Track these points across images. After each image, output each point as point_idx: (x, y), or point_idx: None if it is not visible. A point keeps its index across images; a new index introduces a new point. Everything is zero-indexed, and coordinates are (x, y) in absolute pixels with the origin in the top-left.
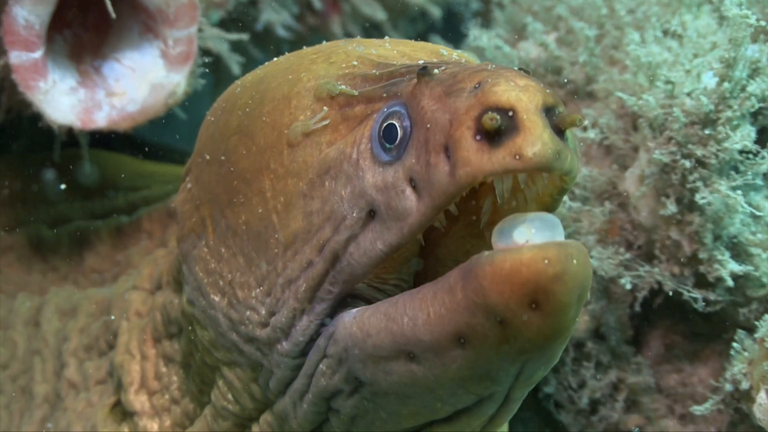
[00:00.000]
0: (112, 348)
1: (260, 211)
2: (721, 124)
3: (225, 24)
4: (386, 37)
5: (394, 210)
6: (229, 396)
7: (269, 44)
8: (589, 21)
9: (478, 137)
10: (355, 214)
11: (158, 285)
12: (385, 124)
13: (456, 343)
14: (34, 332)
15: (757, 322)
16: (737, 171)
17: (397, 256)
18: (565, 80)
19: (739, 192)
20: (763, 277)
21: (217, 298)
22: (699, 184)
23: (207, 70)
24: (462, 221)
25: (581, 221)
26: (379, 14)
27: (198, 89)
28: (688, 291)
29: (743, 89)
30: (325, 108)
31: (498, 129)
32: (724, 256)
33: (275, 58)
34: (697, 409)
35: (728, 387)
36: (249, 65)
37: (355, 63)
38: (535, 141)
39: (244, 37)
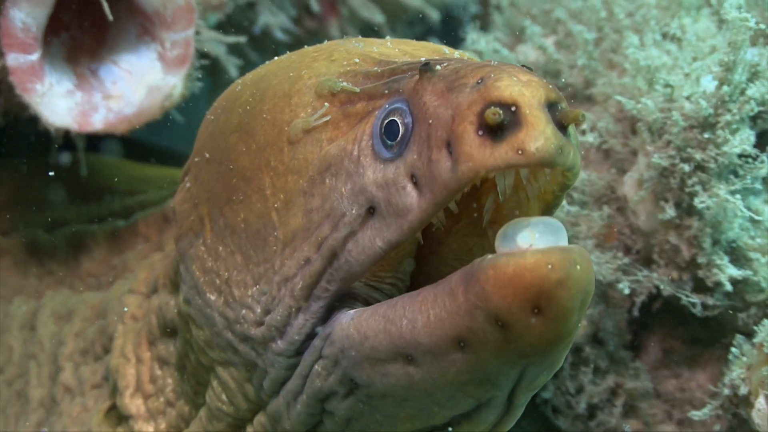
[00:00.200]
0: (108, 352)
1: (259, 208)
2: (720, 128)
3: (223, 27)
4: (387, 37)
5: (394, 206)
6: (224, 397)
7: (267, 47)
8: (587, 24)
9: (480, 132)
10: (354, 211)
11: (154, 288)
12: (386, 121)
13: (456, 347)
14: (29, 336)
15: (755, 327)
16: (736, 175)
17: (394, 254)
18: (564, 83)
19: (738, 196)
20: (762, 282)
21: (213, 297)
22: (698, 188)
23: (204, 73)
24: (464, 219)
25: (579, 225)
26: (377, 17)
27: (195, 92)
28: (687, 296)
29: (743, 93)
30: (326, 104)
31: (501, 124)
32: (723, 260)
33: (276, 57)
34: (696, 415)
35: (727, 392)
36: (246, 68)
37: (357, 60)
38: (537, 136)
39: (242, 39)
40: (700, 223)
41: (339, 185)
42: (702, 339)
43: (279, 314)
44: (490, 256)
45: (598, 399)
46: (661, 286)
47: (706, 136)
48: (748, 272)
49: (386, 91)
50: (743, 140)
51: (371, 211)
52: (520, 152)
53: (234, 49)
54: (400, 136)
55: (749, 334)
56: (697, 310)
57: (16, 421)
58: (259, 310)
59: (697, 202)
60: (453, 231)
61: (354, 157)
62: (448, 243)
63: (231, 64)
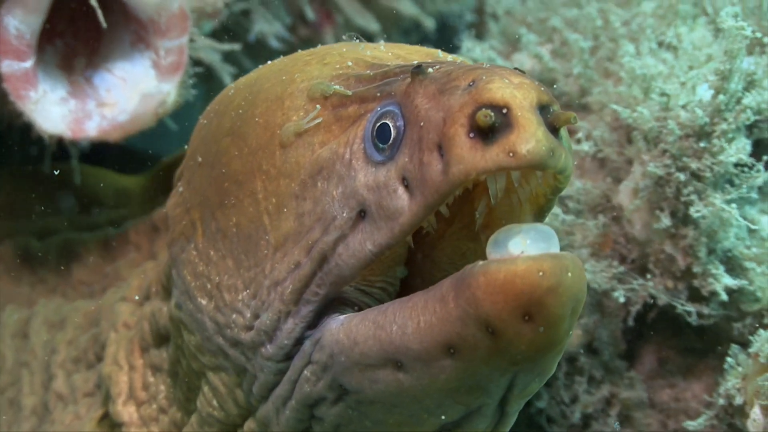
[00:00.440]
0: (101, 360)
1: (251, 212)
2: (716, 137)
3: (217, 35)
4: (381, 41)
5: (385, 209)
6: (214, 402)
7: (262, 55)
8: (583, 33)
9: (471, 135)
10: (345, 214)
11: (147, 296)
12: (378, 124)
13: (446, 353)
14: (22, 344)
15: (751, 337)
16: (732, 184)
17: (385, 258)
18: (560, 91)
19: (734, 205)
20: (758, 292)
21: (204, 302)
22: (694, 197)
23: (198, 81)
24: (457, 223)
25: (574, 234)
26: (373, 25)
27: (189, 100)
28: (682, 304)
29: (738, 102)
30: (317, 107)
31: (492, 126)
32: (719, 270)
33: (269, 62)
34: (691, 425)
35: (722, 402)
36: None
37: (350, 64)
38: (529, 138)
39: (236, 47)
40: (695, 232)
41: (331, 188)
42: (697, 349)
43: (268, 318)
44: (481, 262)
45: (593, 409)
46: (656, 295)
47: (701, 145)
48: (744, 282)
49: (378, 94)
50: (739, 149)
51: (362, 214)
52: (511, 154)
53: (228, 57)
54: (391, 139)
55: (744, 344)
56: (693, 319)
57: (8, 429)
58: (248, 315)
59: (693, 212)
60: (446, 235)
61: (346, 161)
62: (441, 247)
63: (225, 72)
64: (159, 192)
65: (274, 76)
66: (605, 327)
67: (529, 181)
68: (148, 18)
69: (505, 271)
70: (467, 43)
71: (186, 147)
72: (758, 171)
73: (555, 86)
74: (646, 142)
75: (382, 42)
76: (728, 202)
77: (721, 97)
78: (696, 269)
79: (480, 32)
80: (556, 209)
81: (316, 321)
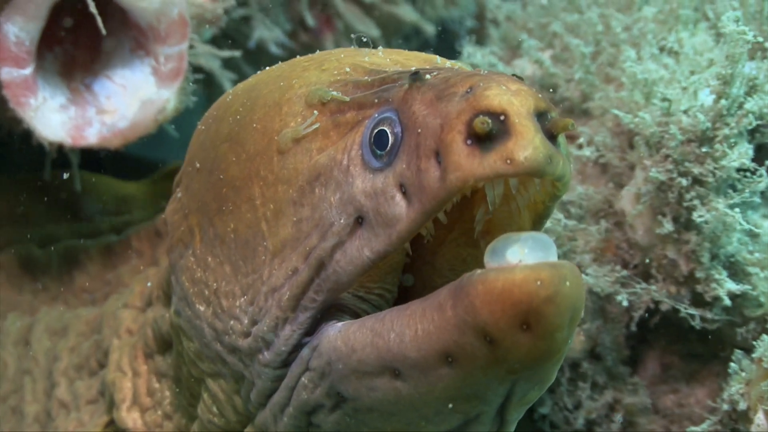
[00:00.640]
0: (103, 367)
1: (249, 218)
2: (718, 142)
3: (217, 41)
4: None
5: (383, 216)
6: (214, 408)
7: (262, 61)
8: (584, 38)
9: (469, 141)
10: (342, 221)
11: (149, 302)
12: (376, 131)
13: (443, 362)
14: (24, 352)
15: (754, 342)
16: (735, 189)
17: (382, 265)
18: (561, 97)
19: (737, 210)
20: (761, 297)
21: (202, 308)
22: (696, 202)
23: (199, 87)
24: (457, 230)
25: (576, 240)
26: (373, 31)
27: (190, 106)
28: (685, 308)
29: (740, 106)
30: (315, 113)
31: (489, 133)
32: (722, 275)
33: (267, 68)
34: (694, 430)
35: (725, 407)
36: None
37: (348, 70)
38: (526, 145)
39: (236, 54)
40: (698, 237)
41: (328, 195)
42: (700, 354)
43: (266, 325)
44: (479, 270)
45: (596, 414)
46: (659, 299)
47: (704, 150)
48: (747, 287)
49: (376, 101)
50: (741, 154)
51: (360, 220)
52: (508, 162)
53: (228, 64)
54: (389, 145)
55: (748, 350)
56: (696, 323)
57: None
58: (246, 321)
59: (696, 216)
60: (446, 241)
61: (343, 167)
62: (441, 253)
63: (225, 79)
64: (162, 198)
65: (273, 82)
66: (608, 332)
67: (527, 188)
68: (148, 24)
69: (503, 280)
70: (468, 48)
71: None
72: (761, 176)
73: (556, 92)
74: (648, 147)
75: (380, 48)
76: (731, 206)
77: (722, 101)
78: (699, 274)
79: (480, 38)
80: (558, 214)
81: (313, 328)
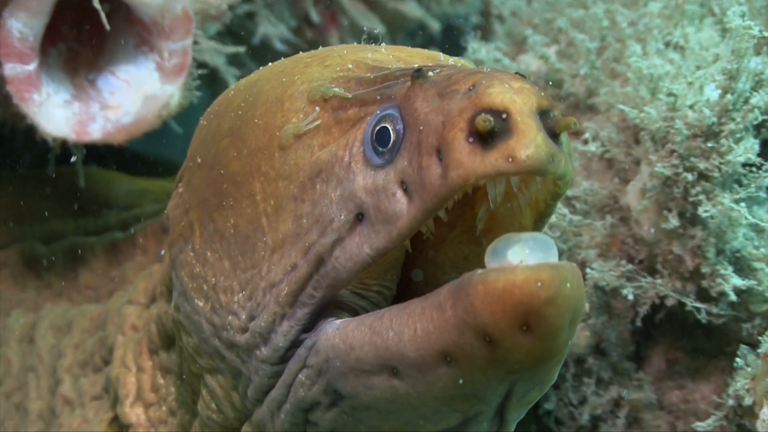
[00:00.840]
0: (108, 364)
1: (249, 214)
2: (723, 137)
3: (222, 37)
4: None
5: (383, 213)
6: (212, 405)
7: (266, 58)
8: (590, 33)
9: (471, 139)
10: (342, 217)
11: (153, 298)
12: (378, 128)
13: (442, 361)
14: (28, 349)
15: (760, 338)
16: (740, 184)
17: (381, 261)
18: (566, 92)
19: (743, 205)
20: (766, 292)
21: (201, 303)
22: (702, 197)
23: (203, 84)
24: (459, 227)
25: (582, 235)
26: (378, 28)
27: (194, 102)
28: (691, 302)
29: (746, 101)
30: (317, 109)
31: (491, 131)
32: (727, 270)
33: (270, 63)
34: (700, 426)
35: (731, 403)
36: None
37: (350, 66)
38: (528, 144)
39: (241, 50)
40: (703, 232)
41: (329, 191)
42: (706, 350)
43: (263, 320)
44: (479, 271)
45: (602, 410)
46: (665, 293)
47: (709, 145)
48: (753, 282)
49: (378, 98)
50: (747, 149)
51: (360, 217)
52: (510, 160)
53: (233, 60)
54: (391, 142)
55: (754, 345)
56: (702, 317)
57: None
58: (244, 317)
59: (701, 212)
60: (448, 239)
61: (345, 163)
62: (443, 251)
63: (230, 75)
64: None
65: (275, 78)
66: (613, 328)
67: (528, 186)
68: (152, 20)
69: (504, 280)
70: (472, 44)
71: None
72: (766, 171)
73: (561, 87)
74: (653, 142)
75: (383, 44)
76: (737, 201)
77: (728, 96)
78: (704, 270)
79: (485, 34)
80: (564, 209)
81: (311, 324)
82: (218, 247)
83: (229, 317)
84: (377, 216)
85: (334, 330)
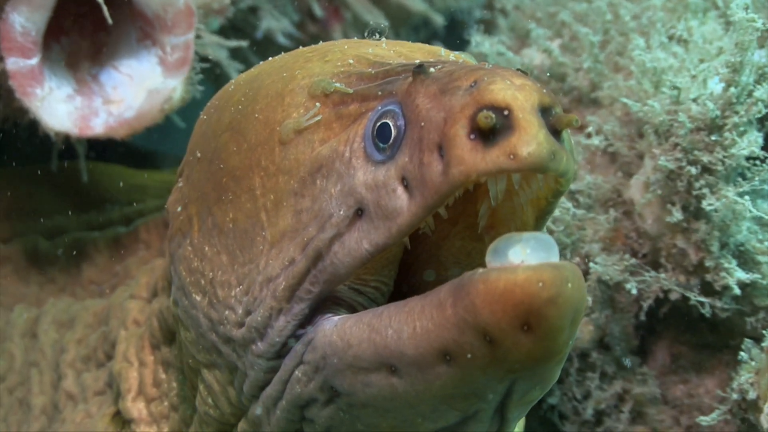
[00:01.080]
0: (111, 359)
1: (249, 208)
2: (727, 130)
3: (225, 31)
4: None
5: (383, 209)
6: (209, 400)
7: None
8: (593, 27)
9: (472, 136)
10: (342, 212)
11: (155, 293)
12: (379, 123)
13: (441, 360)
14: (31, 344)
15: (764, 332)
16: (744, 177)
17: (380, 257)
18: (570, 86)
19: (747, 198)
20: None
21: (198, 298)
22: (705, 191)
23: (206, 78)
24: (461, 223)
25: (585, 229)
26: (382, 22)
27: (196, 97)
28: (695, 296)
29: (750, 94)
30: (317, 105)
31: (493, 128)
32: (731, 264)
33: (271, 58)
34: (704, 420)
35: (735, 397)
36: None
37: (351, 61)
38: (530, 141)
39: (243, 44)
40: (707, 226)
41: (329, 186)
42: (710, 344)
43: (260, 315)
44: (480, 270)
45: (606, 405)
46: (669, 286)
47: (713, 138)
48: (757, 276)
49: (379, 93)
50: (751, 142)
51: (359, 213)
52: (511, 157)
53: (236, 54)
54: (392, 138)
55: (758, 339)
56: (706, 311)
57: (18, 429)
58: (240, 311)
59: (705, 205)
60: (450, 235)
61: (345, 159)
62: (446, 247)
63: (233, 69)
64: None
65: (275, 73)
66: (617, 322)
67: (530, 183)
68: (154, 14)
69: (505, 280)
70: (476, 37)
71: None
72: None
73: (565, 81)
74: (657, 135)
75: (384, 39)
76: (740, 195)
77: (732, 89)
78: (708, 263)
79: (489, 28)
80: (567, 203)
81: (308, 320)
82: (216, 242)
83: (226, 312)
84: (377, 212)
85: (332, 327)
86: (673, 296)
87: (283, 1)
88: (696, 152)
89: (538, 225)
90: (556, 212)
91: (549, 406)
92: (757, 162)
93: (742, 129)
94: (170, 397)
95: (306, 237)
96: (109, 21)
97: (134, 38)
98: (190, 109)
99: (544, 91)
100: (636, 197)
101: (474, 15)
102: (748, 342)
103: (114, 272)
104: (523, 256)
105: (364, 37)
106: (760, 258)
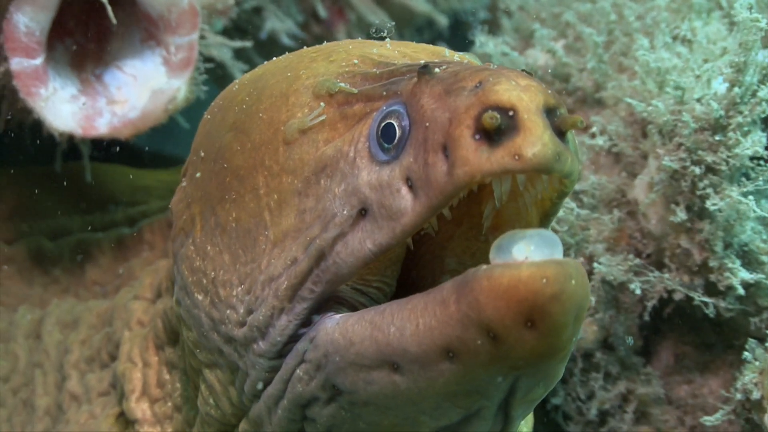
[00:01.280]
0: (115, 359)
1: (252, 208)
2: (731, 130)
3: (229, 32)
4: (387, 39)
5: (387, 209)
6: (210, 400)
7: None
8: (597, 27)
9: (477, 136)
10: (345, 212)
11: (159, 293)
12: (383, 123)
13: (444, 357)
14: (35, 345)
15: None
16: (748, 177)
17: (383, 258)
18: (574, 86)
19: (751, 198)
20: None
21: (200, 297)
22: (709, 191)
23: (210, 78)
24: (466, 224)
25: (589, 229)
26: (387, 22)
27: (201, 97)
28: (699, 296)
29: (754, 94)
30: (322, 105)
31: (498, 128)
32: (735, 264)
33: (275, 58)
34: (708, 420)
35: (739, 397)
36: None
37: (356, 62)
38: (535, 141)
39: (248, 44)
40: (711, 226)
41: (333, 186)
42: (714, 344)
43: (262, 314)
44: (484, 266)
45: (610, 405)
46: (673, 287)
47: (717, 138)
48: (761, 276)
49: (384, 93)
50: (755, 142)
51: (363, 213)
52: (516, 158)
53: (240, 54)
54: (396, 138)
55: (762, 339)
56: (710, 311)
57: (22, 430)
58: (242, 310)
59: (709, 205)
60: (455, 235)
61: (350, 159)
62: (450, 247)
63: (237, 69)
64: None
65: (280, 73)
66: (621, 323)
67: (534, 184)
68: (158, 15)
69: (509, 276)
70: (480, 37)
71: None
72: None
73: (569, 81)
74: (661, 135)
75: (388, 39)
76: (744, 195)
77: (736, 89)
78: (712, 263)
79: (493, 28)
80: (571, 203)
81: (309, 319)
82: (219, 241)
83: (228, 311)
84: (381, 212)
85: (334, 325)
86: (677, 296)
87: (287, 1)
88: (700, 152)
89: (542, 226)
90: (561, 212)
91: (553, 406)
92: (761, 162)
93: (746, 129)
94: (174, 397)
95: (309, 236)
96: (114, 21)
97: (138, 39)
98: (194, 109)
99: (549, 92)
100: (640, 197)
101: (478, 16)
102: (752, 342)
103: (118, 273)
104: (527, 253)
105: (368, 38)
106: (764, 258)
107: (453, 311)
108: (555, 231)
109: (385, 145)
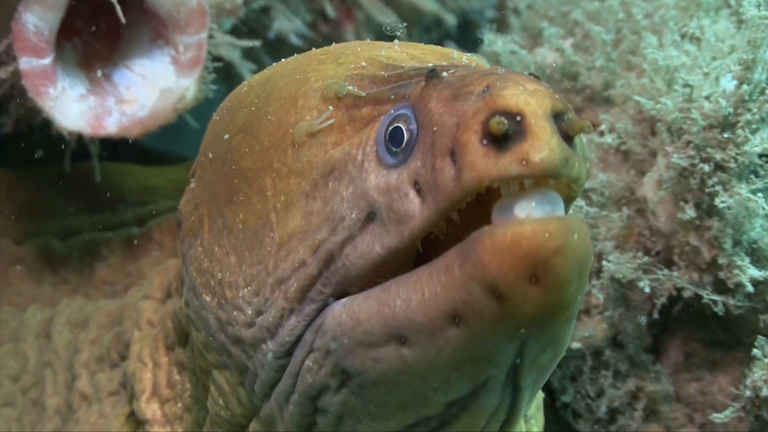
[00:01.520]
0: (124, 359)
1: (259, 209)
2: (740, 128)
3: (237, 31)
4: (396, 41)
5: (395, 213)
6: (220, 401)
7: (282, 52)
8: (605, 25)
9: (484, 141)
10: (354, 215)
11: (168, 293)
12: (391, 127)
13: (451, 323)
14: (45, 344)
15: None
16: (757, 175)
17: (392, 259)
18: (582, 85)
19: (760, 195)
20: None
21: (208, 298)
22: (718, 188)
23: (218, 78)
24: (474, 227)
25: (598, 227)
26: (397, 22)
27: (209, 96)
28: (708, 294)
29: (762, 92)
30: (330, 108)
31: (505, 133)
32: (744, 261)
33: (284, 59)
34: (717, 417)
35: (748, 394)
36: None
37: (364, 64)
38: (542, 147)
39: (256, 44)
40: (720, 223)
41: (341, 189)
42: (723, 341)
43: (271, 315)
44: (487, 227)
45: (619, 403)
46: (682, 284)
47: (726, 135)
48: None
49: (392, 97)
50: (764, 139)
51: (371, 216)
52: (524, 163)
53: (249, 54)
54: (404, 142)
55: None
56: (719, 309)
57: (32, 430)
58: (250, 312)
59: (718, 202)
60: (464, 237)
61: (358, 162)
62: None
63: (245, 69)
64: None
65: (288, 75)
66: (630, 320)
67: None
68: (167, 14)
69: (512, 233)
70: (488, 36)
71: None
72: None
73: (577, 80)
74: (669, 133)
75: (396, 41)
76: (753, 192)
77: (744, 87)
78: (721, 261)
79: (502, 27)
80: (580, 201)
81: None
82: (226, 243)
83: (235, 312)
84: (389, 215)
85: (341, 308)
86: (686, 294)
87: (295, 1)
88: (709, 150)
89: None
90: (570, 210)
91: (562, 404)
92: None
93: (754, 126)
94: (184, 398)
95: (317, 239)
96: (123, 20)
97: (147, 38)
98: (203, 108)
99: (557, 96)
100: (649, 195)
101: (486, 15)
102: (761, 339)
103: (127, 273)
104: (529, 210)
105: (377, 37)
106: None
107: (457, 275)
108: None
109: (393, 149)
